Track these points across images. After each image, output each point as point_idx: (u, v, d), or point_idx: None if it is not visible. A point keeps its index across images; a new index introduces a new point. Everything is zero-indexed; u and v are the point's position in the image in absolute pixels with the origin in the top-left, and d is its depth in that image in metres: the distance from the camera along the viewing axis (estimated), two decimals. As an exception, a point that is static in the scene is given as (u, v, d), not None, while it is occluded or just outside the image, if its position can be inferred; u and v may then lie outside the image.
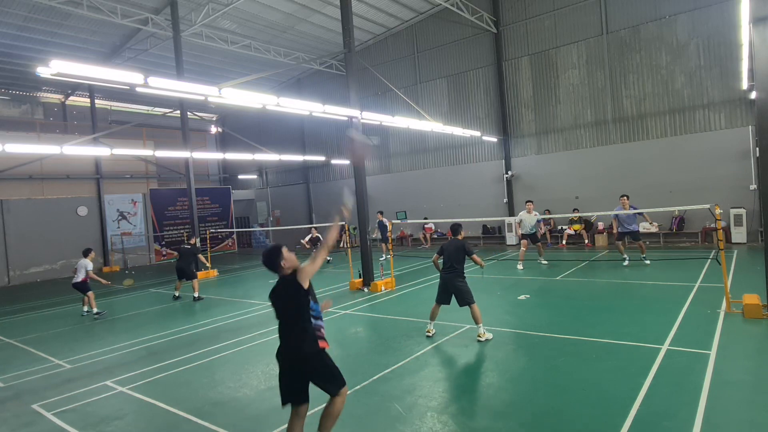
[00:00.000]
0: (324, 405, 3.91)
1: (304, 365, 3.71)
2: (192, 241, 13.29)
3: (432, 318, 7.40)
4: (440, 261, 7.39)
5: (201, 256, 13.65)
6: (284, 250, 3.83)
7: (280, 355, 3.78)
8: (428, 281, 12.07)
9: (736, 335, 6.37)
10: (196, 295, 12.10)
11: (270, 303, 3.86)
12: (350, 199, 4.12)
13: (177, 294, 12.49)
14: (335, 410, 3.79)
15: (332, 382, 3.78)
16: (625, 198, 12.20)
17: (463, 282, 7.13)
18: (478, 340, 6.89)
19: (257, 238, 29.85)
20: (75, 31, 17.76)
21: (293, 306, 3.74)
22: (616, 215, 12.14)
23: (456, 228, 7.56)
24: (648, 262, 12.06)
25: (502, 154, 19.85)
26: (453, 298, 7.17)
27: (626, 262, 12.14)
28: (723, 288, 7.81)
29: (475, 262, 7.10)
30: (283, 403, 3.79)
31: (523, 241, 13.70)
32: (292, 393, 3.77)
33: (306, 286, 3.73)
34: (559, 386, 5.19)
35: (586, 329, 7.16)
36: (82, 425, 5.16)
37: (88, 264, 10.91)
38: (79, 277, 10.83)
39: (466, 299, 7.04)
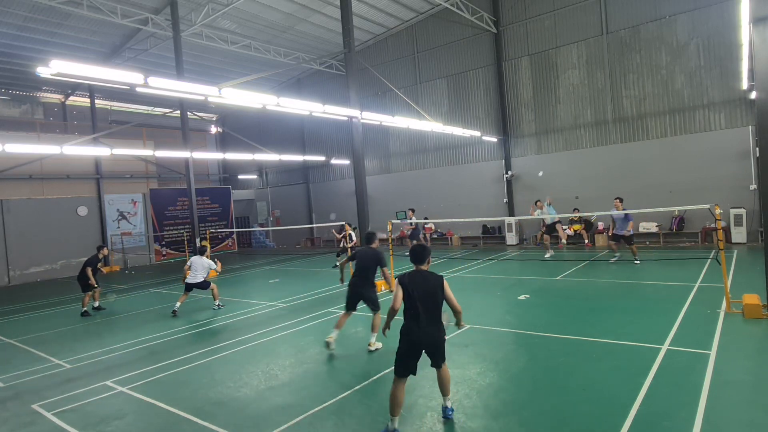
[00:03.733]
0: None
1: (433, 348, 4.43)
2: (104, 253, 11.82)
3: (338, 326, 7.01)
4: (352, 266, 7.17)
5: (89, 270, 11.13)
6: (430, 252, 4.71)
7: (410, 336, 4.36)
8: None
9: (736, 335, 6.36)
10: (89, 307, 11.20)
11: (403, 287, 4.42)
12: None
13: (84, 309, 11.20)
14: (447, 378, 4.64)
15: (443, 355, 4.52)
16: (618, 201, 12.65)
17: (372, 290, 7.03)
18: (369, 350, 6.86)
19: (257, 238, 29.85)
20: (75, 31, 17.76)
21: (434, 300, 4.43)
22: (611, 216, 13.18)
23: (370, 236, 7.32)
24: (638, 262, 12.41)
25: (502, 154, 19.85)
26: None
27: (614, 260, 12.97)
28: (723, 288, 7.81)
29: (385, 278, 7.00)
30: (399, 375, 4.40)
31: (545, 236, 15.05)
32: (409, 368, 4.41)
33: (448, 299, 4.52)
34: (559, 386, 5.19)
35: (586, 329, 7.16)
36: (82, 425, 5.16)
37: (212, 263, 10.89)
38: (199, 277, 10.54)
39: (371, 307, 6.99)
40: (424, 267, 4.61)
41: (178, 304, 10.45)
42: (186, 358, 7.33)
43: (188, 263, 10.78)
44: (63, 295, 15.07)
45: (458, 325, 4.70)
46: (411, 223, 18.09)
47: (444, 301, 4.50)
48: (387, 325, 4.68)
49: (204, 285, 10.64)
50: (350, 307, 7.12)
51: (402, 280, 4.48)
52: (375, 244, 7.29)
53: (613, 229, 13.16)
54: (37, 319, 11.55)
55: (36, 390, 6.40)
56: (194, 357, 7.31)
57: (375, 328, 6.93)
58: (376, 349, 6.86)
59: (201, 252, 11.01)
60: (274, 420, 4.90)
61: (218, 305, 10.73)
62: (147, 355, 7.75)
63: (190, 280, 10.54)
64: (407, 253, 4.98)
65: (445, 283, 4.46)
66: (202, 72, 23.11)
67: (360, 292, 7.03)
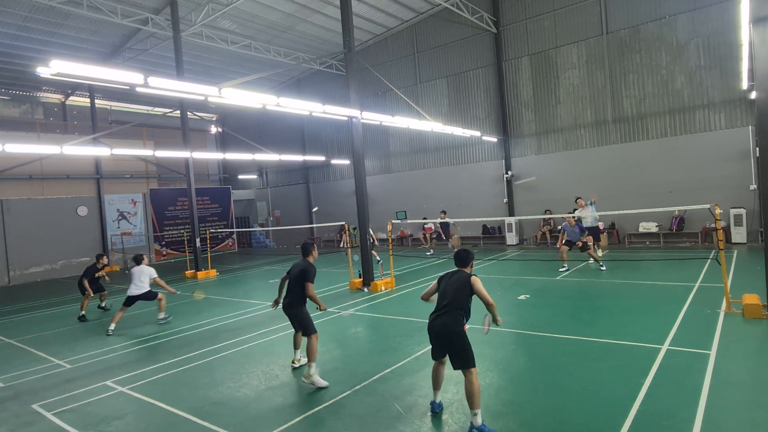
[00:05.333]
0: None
1: (449, 339, 4.44)
2: (103, 262, 11.34)
3: (296, 346, 6.50)
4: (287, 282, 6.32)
5: (86, 282, 10.87)
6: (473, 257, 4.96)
7: (428, 325, 4.61)
8: (429, 282, 12.07)
9: (736, 335, 6.37)
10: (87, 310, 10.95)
11: (439, 280, 4.72)
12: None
13: (83, 313, 10.83)
14: (472, 388, 4.24)
15: (464, 360, 4.38)
16: (571, 218, 12.55)
17: (300, 310, 6.08)
18: (303, 381, 5.76)
19: (257, 238, 29.85)
20: (75, 31, 17.76)
21: (459, 296, 4.55)
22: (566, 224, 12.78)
23: (306, 247, 6.26)
24: (603, 268, 11.98)
25: (502, 154, 19.84)
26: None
27: (562, 269, 12.31)
28: (723, 288, 7.81)
29: (312, 299, 5.91)
30: (432, 358, 4.72)
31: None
32: (435, 354, 4.68)
33: (478, 292, 4.57)
34: (559, 386, 5.20)
35: (586, 329, 7.16)
36: (82, 425, 5.16)
37: (152, 271, 9.68)
38: (146, 287, 9.53)
39: (305, 331, 6.03)
40: (467, 270, 4.82)
41: (112, 326, 9.24)
42: (186, 358, 7.33)
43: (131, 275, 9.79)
44: (63, 295, 15.07)
45: (495, 321, 4.62)
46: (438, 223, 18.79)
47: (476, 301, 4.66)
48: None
49: (150, 295, 9.64)
50: (295, 327, 6.39)
51: (441, 277, 4.88)
52: (311, 257, 6.22)
53: (565, 236, 12.75)
54: (37, 319, 11.56)
55: (36, 390, 6.41)
56: (194, 357, 7.31)
57: (312, 355, 5.75)
58: (319, 388, 5.60)
59: (138, 261, 9.83)
60: (274, 420, 4.90)
61: (164, 318, 9.74)
62: (147, 355, 7.76)
63: (132, 292, 9.42)
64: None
65: (475, 280, 4.60)
66: (202, 72, 23.10)
67: (289, 312, 6.17)
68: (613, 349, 6.21)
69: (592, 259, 12.51)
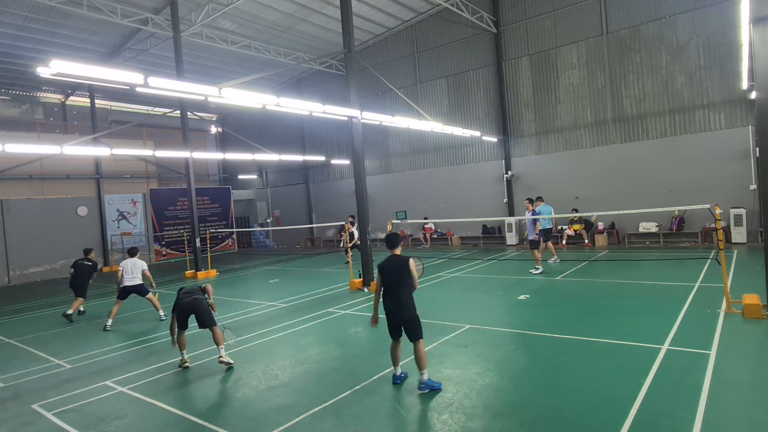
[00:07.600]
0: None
1: (405, 321, 5.27)
2: (91, 256, 11.49)
3: (182, 347, 6.85)
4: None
5: (95, 275, 11.24)
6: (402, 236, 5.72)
7: (386, 311, 5.38)
8: (428, 281, 12.07)
9: (736, 335, 6.37)
10: (69, 312, 10.69)
11: (380, 271, 5.36)
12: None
13: (69, 312, 10.68)
14: (421, 354, 5.20)
15: (416, 332, 5.30)
16: (527, 202, 12.54)
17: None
18: (221, 362, 6.64)
19: (257, 238, 29.86)
20: (75, 31, 17.76)
21: (401, 278, 5.30)
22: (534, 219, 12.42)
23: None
24: (533, 271, 11.96)
25: (502, 154, 19.84)
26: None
27: (537, 271, 12.04)
28: (723, 288, 7.81)
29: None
30: (392, 338, 5.48)
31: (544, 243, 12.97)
32: (395, 334, 5.44)
33: (410, 273, 5.34)
34: (559, 386, 5.20)
35: (586, 329, 7.16)
36: (82, 425, 5.16)
37: (143, 264, 10.13)
38: (138, 279, 9.96)
39: (207, 322, 6.80)
40: (396, 251, 5.59)
41: (109, 321, 9.65)
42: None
43: (120, 268, 10.05)
44: (63, 295, 15.05)
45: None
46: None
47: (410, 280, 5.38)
48: (375, 309, 5.58)
49: (141, 290, 10.07)
50: (183, 325, 6.85)
51: (379, 265, 5.48)
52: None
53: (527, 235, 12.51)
54: (37, 319, 11.55)
55: (36, 390, 6.41)
56: (194, 357, 7.31)
57: (220, 341, 6.77)
58: (229, 365, 6.63)
59: (132, 254, 10.26)
60: (274, 420, 4.90)
61: (164, 316, 10.04)
62: (147, 355, 7.76)
63: (128, 282, 9.86)
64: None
65: (411, 262, 5.37)
66: (202, 72, 23.10)
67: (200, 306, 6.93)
68: (613, 349, 6.21)
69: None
